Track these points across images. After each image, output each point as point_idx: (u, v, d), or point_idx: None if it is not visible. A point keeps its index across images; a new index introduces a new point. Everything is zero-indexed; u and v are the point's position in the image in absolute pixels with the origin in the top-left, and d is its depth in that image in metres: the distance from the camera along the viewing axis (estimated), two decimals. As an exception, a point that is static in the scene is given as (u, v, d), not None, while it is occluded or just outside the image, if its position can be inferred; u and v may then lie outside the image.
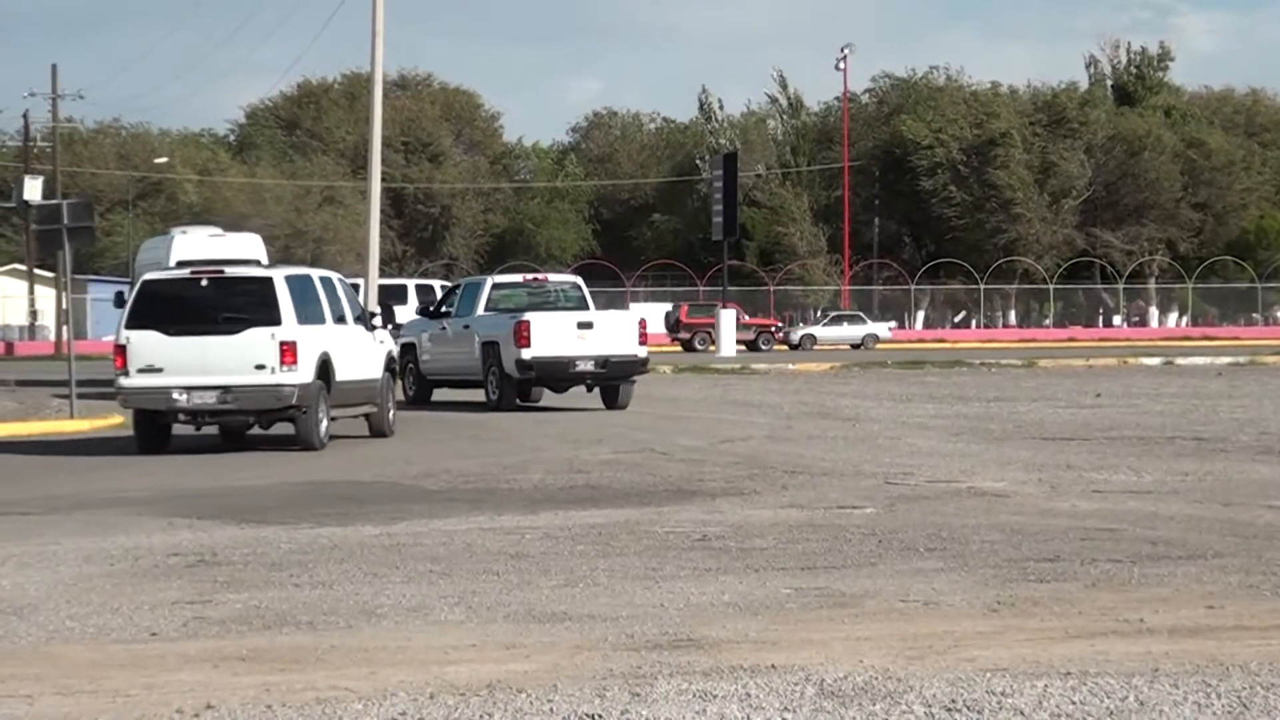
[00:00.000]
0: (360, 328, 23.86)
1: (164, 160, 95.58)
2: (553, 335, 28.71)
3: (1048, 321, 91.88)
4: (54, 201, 30.55)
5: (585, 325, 29.05)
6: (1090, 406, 28.41)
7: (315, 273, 23.90)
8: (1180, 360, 45.97)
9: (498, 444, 22.41)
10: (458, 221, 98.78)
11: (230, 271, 22.46)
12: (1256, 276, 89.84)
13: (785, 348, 65.43)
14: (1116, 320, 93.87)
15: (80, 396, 28.20)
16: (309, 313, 22.26)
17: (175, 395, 21.47)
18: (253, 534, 13.26)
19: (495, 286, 31.63)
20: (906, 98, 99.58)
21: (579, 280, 32.74)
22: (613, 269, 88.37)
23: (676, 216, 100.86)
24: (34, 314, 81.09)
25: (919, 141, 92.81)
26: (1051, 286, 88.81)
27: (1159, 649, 8.35)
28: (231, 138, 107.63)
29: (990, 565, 11.15)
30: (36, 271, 79.53)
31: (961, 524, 13.26)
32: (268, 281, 21.98)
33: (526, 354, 28.60)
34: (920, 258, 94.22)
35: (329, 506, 15.26)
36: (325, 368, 22.17)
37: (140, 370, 21.48)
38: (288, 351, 21.58)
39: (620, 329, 29.29)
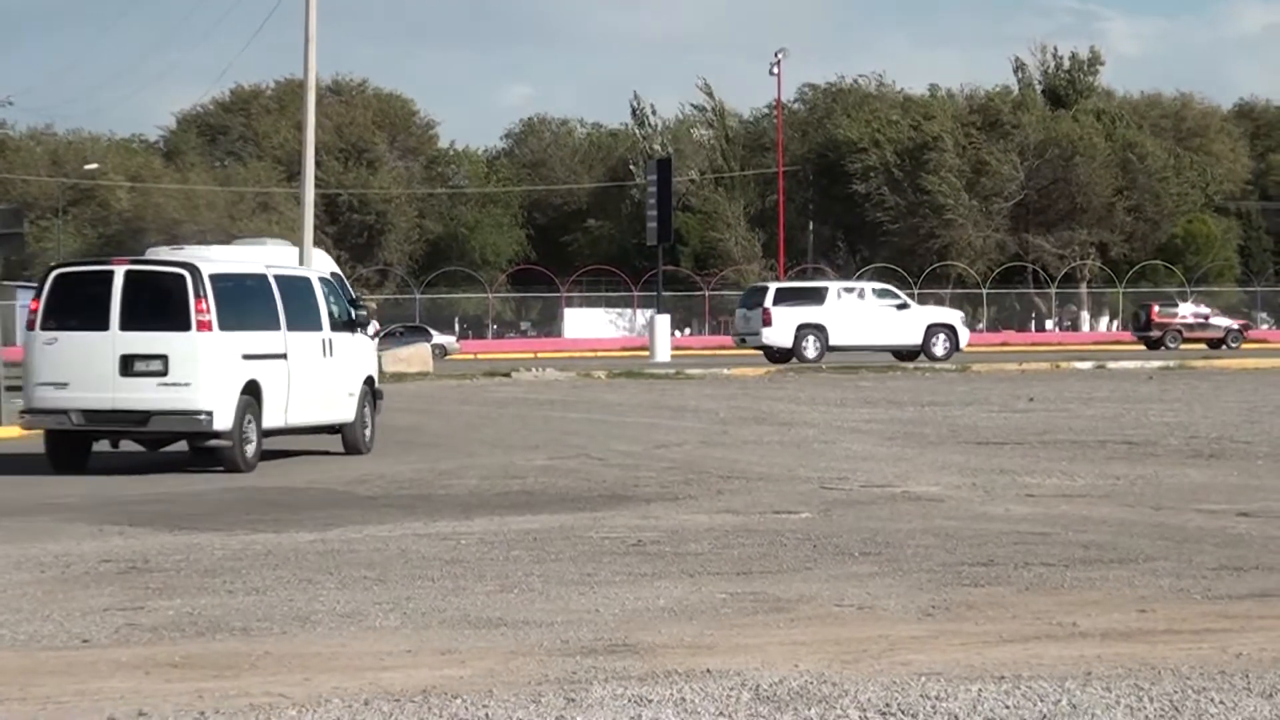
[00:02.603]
0: None
1: (94, 166, 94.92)
2: None
3: (981, 326, 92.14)
4: (-17, 207, 30.32)
5: None
6: (1023, 411, 28.55)
7: None
8: (1111, 364, 46.23)
9: (431, 449, 22.37)
10: (392, 227, 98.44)
11: None
12: (1186, 281, 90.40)
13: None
14: (1049, 324, 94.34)
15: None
16: None
17: None
18: (185, 540, 13.20)
19: None
20: (836, 103, 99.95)
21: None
22: (548, 274, 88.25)
23: (610, 222, 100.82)
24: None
25: (854, 143, 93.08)
26: (985, 291, 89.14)
27: (1091, 652, 8.40)
28: (163, 144, 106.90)
29: (925, 569, 11.19)
30: (-34, 278, 78.82)
31: (896, 528, 13.30)
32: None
33: None
34: (855, 263, 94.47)
35: (262, 513, 15.20)
36: None
37: None
38: None
39: None
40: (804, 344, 49.51)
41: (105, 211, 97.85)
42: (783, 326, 49.54)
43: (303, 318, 21.31)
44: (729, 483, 17.21)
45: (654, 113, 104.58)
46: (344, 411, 22.08)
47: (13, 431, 26.27)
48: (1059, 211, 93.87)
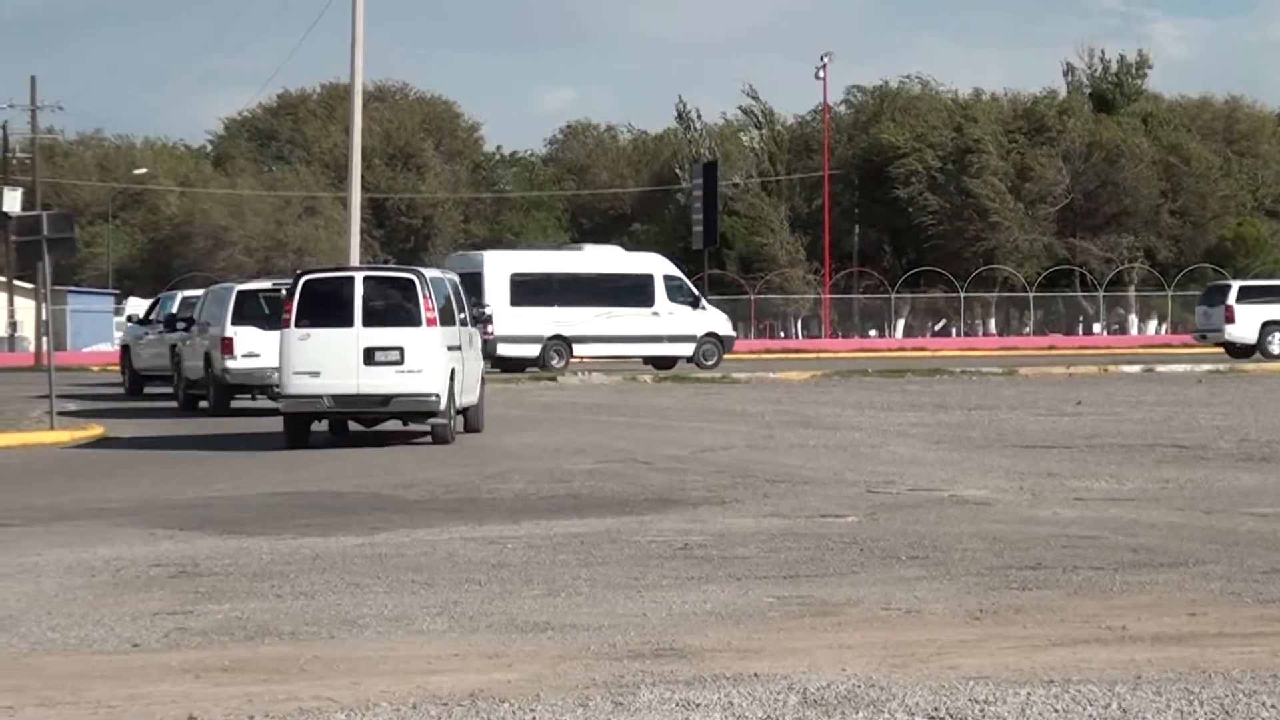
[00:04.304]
0: None
1: (143, 171, 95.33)
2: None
3: (1028, 329, 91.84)
4: (34, 213, 30.50)
5: None
6: (1071, 414, 28.44)
7: None
8: (1160, 368, 46.00)
9: (477, 452, 22.40)
10: (439, 231, 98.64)
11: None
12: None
13: None
14: (1096, 328, 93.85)
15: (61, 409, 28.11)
16: None
17: None
18: (234, 544, 13.24)
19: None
20: (883, 105, 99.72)
21: None
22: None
23: (655, 226, 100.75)
24: (13, 325, 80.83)
25: (899, 147, 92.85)
26: (1031, 295, 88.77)
27: (1142, 656, 8.36)
28: (209, 148, 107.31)
29: (973, 573, 11.15)
30: (16, 283, 79.30)
31: (944, 532, 13.26)
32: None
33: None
34: (900, 266, 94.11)
35: (310, 517, 15.24)
36: None
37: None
38: None
39: None
40: (1269, 340, 50.25)
41: (154, 216, 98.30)
42: (1246, 323, 50.28)
43: (464, 316, 24.84)
44: (775, 486, 17.18)
45: (699, 116, 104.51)
46: (475, 395, 25.40)
47: (62, 436, 26.42)
48: (1105, 215, 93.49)
